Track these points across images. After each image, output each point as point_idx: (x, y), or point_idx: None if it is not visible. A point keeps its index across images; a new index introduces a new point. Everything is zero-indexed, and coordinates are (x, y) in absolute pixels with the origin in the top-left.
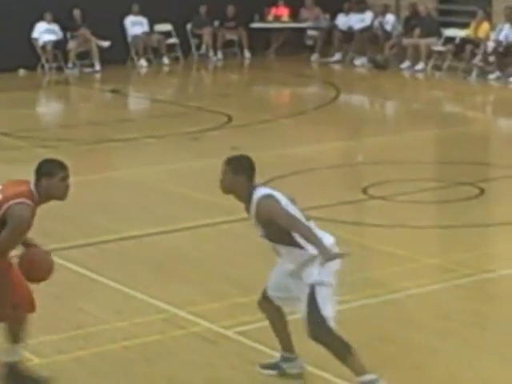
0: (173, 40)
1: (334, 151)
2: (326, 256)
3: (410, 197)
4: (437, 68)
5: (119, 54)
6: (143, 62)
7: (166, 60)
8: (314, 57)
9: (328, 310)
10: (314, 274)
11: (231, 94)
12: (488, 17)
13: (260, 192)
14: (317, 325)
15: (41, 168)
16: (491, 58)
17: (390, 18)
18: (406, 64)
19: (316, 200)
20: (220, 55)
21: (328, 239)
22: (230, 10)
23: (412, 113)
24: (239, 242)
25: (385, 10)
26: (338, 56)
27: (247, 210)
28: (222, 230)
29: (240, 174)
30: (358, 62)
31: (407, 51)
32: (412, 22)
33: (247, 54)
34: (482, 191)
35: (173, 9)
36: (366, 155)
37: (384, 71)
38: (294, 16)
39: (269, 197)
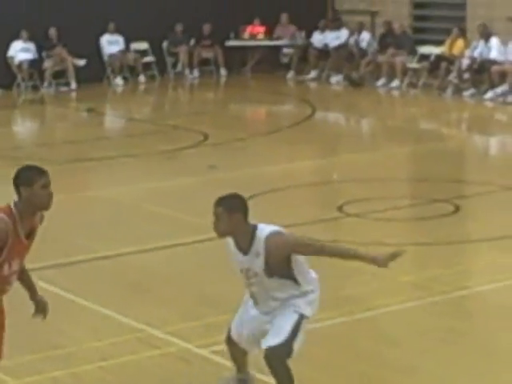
0: (149, 58)
1: (310, 169)
2: (380, 262)
3: (386, 214)
4: (412, 85)
5: (95, 72)
6: (119, 81)
7: (142, 78)
8: (290, 74)
9: (297, 345)
10: (303, 306)
11: (207, 112)
12: (462, 34)
13: (266, 229)
14: (284, 351)
15: (18, 177)
16: (466, 75)
17: (365, 35)
18: (381, 81)
19: (291, 218)
20: (196, 73)
21: (312, 274)
22: (206, 28)
23: (387, 130)
24: (214, 261)
25: (360, 27)
26: (313, 74)
27: (245, 249)
28: (198, 249)
29: (236, 212)
30: (334, 79)
31: (382, 68)
32: (387, 39)
33: (223, 71)
34: (458, 208)
35: (149, 27)
36: (341, 173)
37: (359, 88)
38: (270, 34)
39: (280, 232)
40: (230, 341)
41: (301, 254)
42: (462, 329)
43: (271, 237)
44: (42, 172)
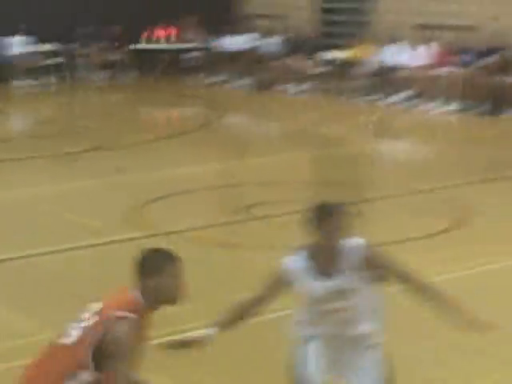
0: (58, 59)
1: (216, 172)
2: (468, 322)
3: (289, 217)
4: (318, 89)
5: (3, 72)
6: (27, 82)
7: (51, 79)
8: (198, 78)
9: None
10: (377, 332)
11: (115, 114)
12: (369, 39)
13: (354, 238)
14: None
15: (143, 264)
16: (371, 80)
17: (273, 39)
18: (288, 85)
19: (197, 221)
20: (105, 75)
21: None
22: (116, 30)
23: (293, 134)
24: (115, 263)
25: (269, 31)
26: (221, 77)
27: (327, 269)
28: (99, 251)
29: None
30: (241, 83)
31: (290, 73)
32: (295, 43)
33: (131, 74)
34: (360, 212)
35: (59, 28)
36: (247, 176)
37: (267, 92)
38: (179, 37)
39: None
40: None
41: (389, 273)
42: None
43: (365, 246)
44: (173, 257)
